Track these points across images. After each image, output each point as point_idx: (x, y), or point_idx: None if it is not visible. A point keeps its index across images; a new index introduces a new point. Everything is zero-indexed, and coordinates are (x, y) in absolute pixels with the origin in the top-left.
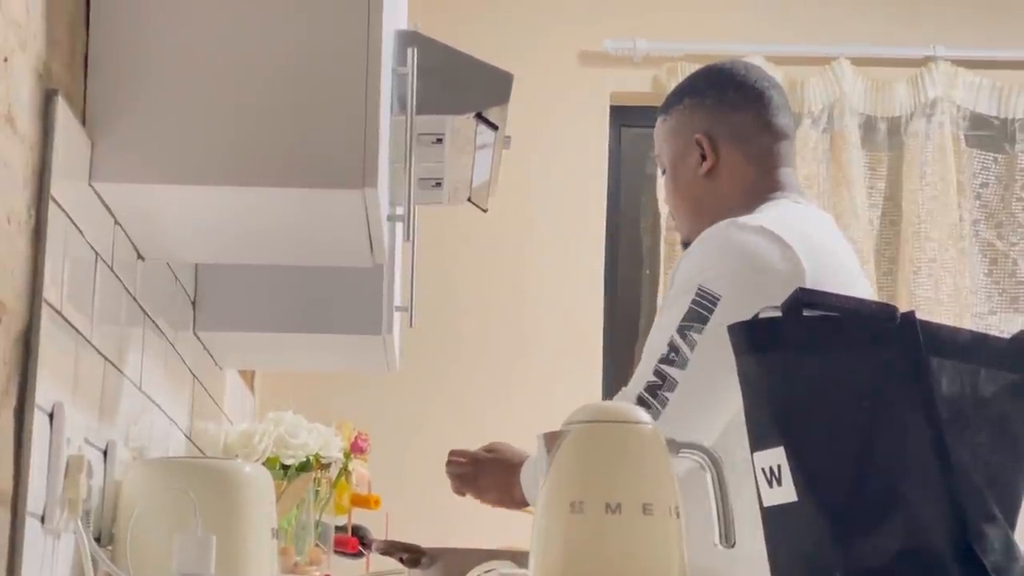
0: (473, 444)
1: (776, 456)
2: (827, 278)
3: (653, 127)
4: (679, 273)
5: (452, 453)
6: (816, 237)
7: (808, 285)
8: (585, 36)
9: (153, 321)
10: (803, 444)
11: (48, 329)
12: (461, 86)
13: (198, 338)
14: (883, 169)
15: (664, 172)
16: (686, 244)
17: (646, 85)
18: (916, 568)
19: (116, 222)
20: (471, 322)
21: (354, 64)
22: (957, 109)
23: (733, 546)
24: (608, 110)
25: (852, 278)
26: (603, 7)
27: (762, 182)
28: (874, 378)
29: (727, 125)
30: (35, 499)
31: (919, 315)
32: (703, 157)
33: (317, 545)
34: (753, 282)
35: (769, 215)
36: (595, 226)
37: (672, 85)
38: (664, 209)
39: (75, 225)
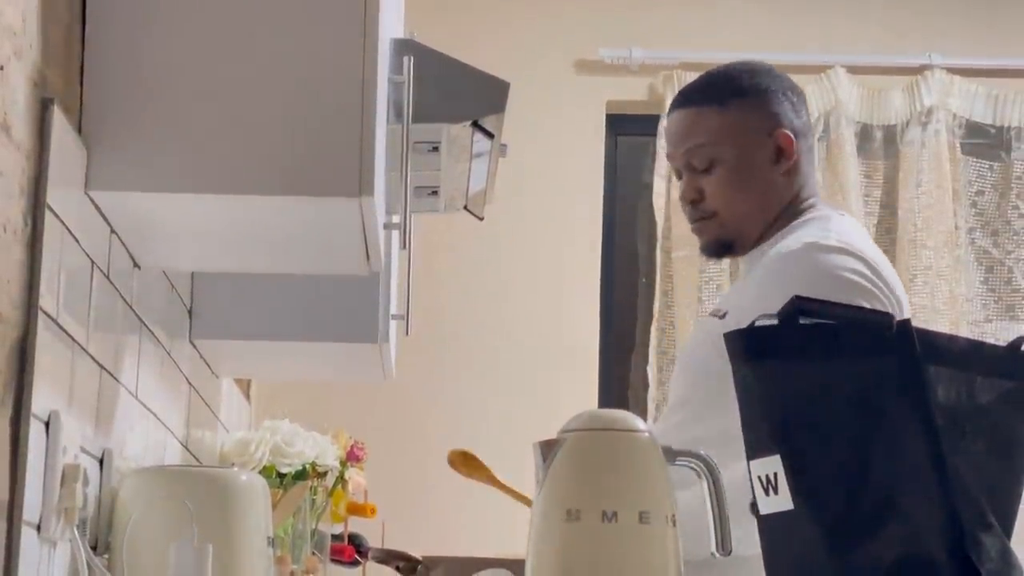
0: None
1: (772, 464)
2: (901, 294)
3: (649, 135)
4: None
5: None
6: (874, 253)
7: (894, 303)
8: (581, 45)
9: (149, 329)
10: (800, 452)
11: (44, 338)
12: (457, 95)
13: (194, 346)
14: (879, 177)
15: (711, 166)
16: (720, 243)
17: (642, 94)
18: None
19: (112, 230)
20: (467, 331)
21: (350, 73)
22: (953, 117)
23: (729, 554)
24: (604, 118)
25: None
26: (599, 16)
27: (810, 183)
28: (871, 386)
29: (797, 123)
30: (31, 508)
31: (915, 323)
32: (778, 153)
33: (313, 554)
34: (877, 300)
35: (833, 231)
36: (591, 235)
37: (669, 94)
38: (660, 217)
39: (71, 233)
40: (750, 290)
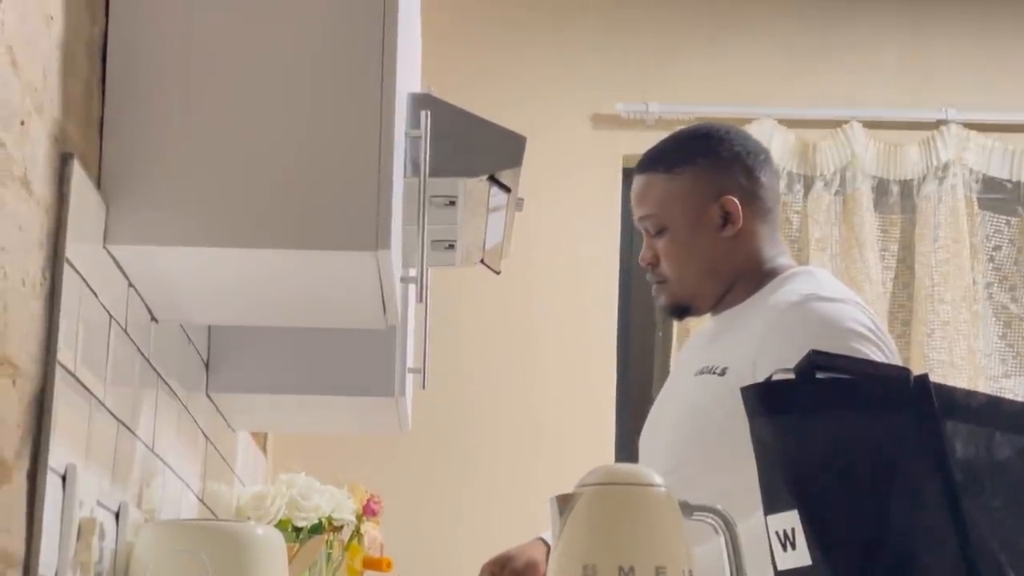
0: (484, 506)
1: (790, 519)
2: (891, 342)
3: None
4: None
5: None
6: (864, 303)
7: (890, 351)
8: (598, 99)
9: (166, 383)
10: (817, 508)
11: (62, 391)
12: (474, 149)
13: (211, 400)
14: (896, 232)
15: (661, 231)
16: (676, 307)
17: None
18: None
19: (130, 284)
20: (483, 384)
21: (367, 127)
22: (969, 172)
23: None
24: (621, 172)
25: None
26: (615, 70)
27: (772, 245)
28: (888, 441)
29: (747, 187)
30: (47, 562)
31: (933, 378)
32: (724, 219)
33: None
34: (878, 349)
35: (826, 284)
36: (608, 288)
37: None
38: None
39: (89, 287)
40: (752, 344)
